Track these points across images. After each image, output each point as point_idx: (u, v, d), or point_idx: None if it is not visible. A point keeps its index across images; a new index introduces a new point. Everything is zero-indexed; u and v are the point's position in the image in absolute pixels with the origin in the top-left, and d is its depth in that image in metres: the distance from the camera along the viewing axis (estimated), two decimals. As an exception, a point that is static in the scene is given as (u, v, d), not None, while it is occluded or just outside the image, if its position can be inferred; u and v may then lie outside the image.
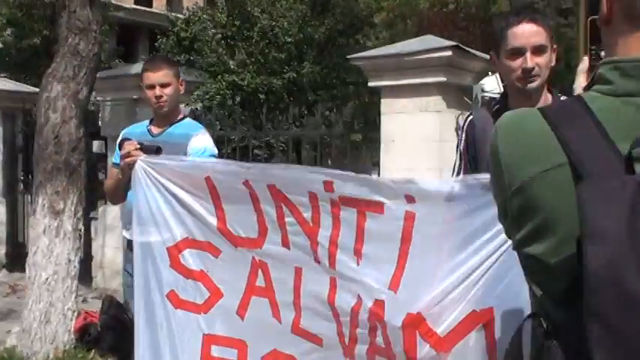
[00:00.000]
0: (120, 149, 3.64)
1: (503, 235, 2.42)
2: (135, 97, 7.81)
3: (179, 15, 18.46)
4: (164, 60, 4.08)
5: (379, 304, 2.74)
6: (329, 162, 8.98)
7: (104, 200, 7.99)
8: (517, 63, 2.51)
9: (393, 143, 5.96)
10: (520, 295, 2.41)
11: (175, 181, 3.28)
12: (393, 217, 2.72)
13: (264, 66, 14.97)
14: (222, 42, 15.50)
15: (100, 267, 8.10)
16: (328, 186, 2.87)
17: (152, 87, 3.75)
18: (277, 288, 3.15)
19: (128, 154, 3.42)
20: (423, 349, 2.63)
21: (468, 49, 5.70)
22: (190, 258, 3.32)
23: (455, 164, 2.91)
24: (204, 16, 16.26)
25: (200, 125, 4.01)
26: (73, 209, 5.49)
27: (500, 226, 2.39)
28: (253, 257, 3.17)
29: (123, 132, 4.00)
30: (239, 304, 3.26)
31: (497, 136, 1.32)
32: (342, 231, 2.87)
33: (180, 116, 3.95)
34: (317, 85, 15.15)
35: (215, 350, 3.32)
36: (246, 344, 3.26)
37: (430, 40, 5.96)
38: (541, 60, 2.53)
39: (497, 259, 2.50)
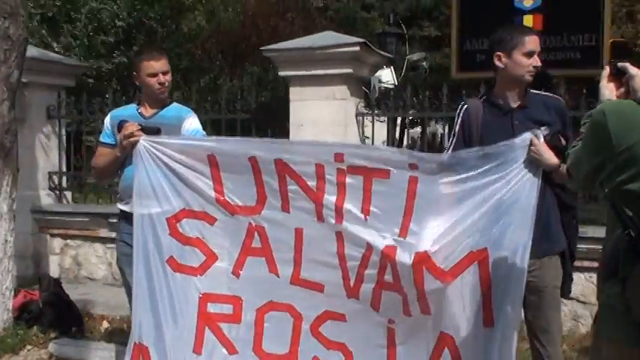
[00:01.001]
0: (118, 131, 3.98)
1: (491, 194, 3.25)
2: (24, 80, 7.63)
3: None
4: (159, 50, 4.48)
5: (390, 248, 3.35)
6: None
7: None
8: (530, 61, 3.43)
9: (302, 127, 6.66)
10: (505, 238, 3.26)
11: (176, 158, 3.69)
12: (399, 181, 3.36)
13: (90, 49, 14.77)
14: (44, 24, 15.02)
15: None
16: (339, 157, 3.42)
17: (154, 75, 4.12)
18: (275, 247, 3.64)
19: (131, 134, 3.80)
20: (430, 280, 3.29)
21: (371, 46, 6.55)
22: (187, 226, 3.73)
23: (450, 141, 3.66)
24: (22, -7, 15.57)
25: (189, 109, 4.39)
26: (8, 190, 5.58)
27: (487, 190, 3.26)
28: (250, 223, 3.66)
29: (112, 114, 4.30)
30: (235, 264, 3.72)
31: (606, 115, 2.18)
32: (348, 195, 3.42)
33: (169, 100, 4.35)
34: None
35: (211, 307, 3.76)
36: (241, 299, 3.74)
37: (336, 37, 6.74)
38: None
39: (487, 212, 3.26)
